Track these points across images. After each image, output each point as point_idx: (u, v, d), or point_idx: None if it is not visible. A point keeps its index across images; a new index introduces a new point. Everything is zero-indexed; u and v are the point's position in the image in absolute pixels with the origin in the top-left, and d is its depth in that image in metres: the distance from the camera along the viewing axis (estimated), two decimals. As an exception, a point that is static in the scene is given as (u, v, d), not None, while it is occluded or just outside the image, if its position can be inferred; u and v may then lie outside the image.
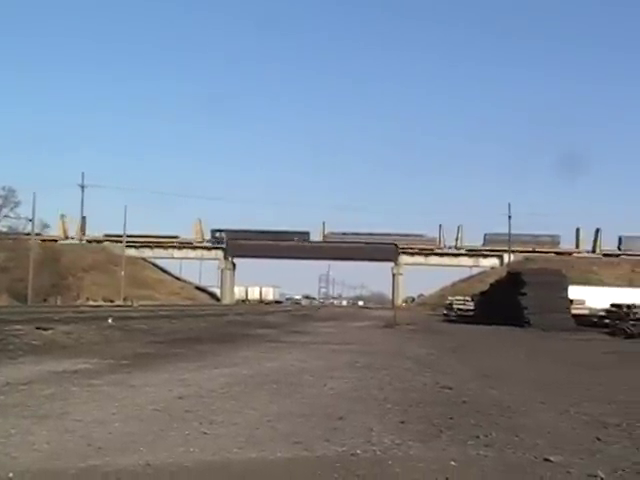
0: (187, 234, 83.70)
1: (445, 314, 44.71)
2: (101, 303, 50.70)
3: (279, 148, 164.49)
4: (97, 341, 13.70)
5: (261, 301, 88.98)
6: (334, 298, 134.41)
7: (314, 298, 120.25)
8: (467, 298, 45.45)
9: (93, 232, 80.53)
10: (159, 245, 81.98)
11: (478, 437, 5.01)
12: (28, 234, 55.07)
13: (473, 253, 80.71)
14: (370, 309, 71.99)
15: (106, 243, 77.31)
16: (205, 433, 4.99)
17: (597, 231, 79.05)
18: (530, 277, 31.36)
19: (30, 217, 54.10)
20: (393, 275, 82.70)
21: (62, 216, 79.59)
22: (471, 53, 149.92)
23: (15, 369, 8.67)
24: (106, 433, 4.91)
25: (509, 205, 70.93)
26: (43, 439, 4.67)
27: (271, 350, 13.04)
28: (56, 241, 72.65)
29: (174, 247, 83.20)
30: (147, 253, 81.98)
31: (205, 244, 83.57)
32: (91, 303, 50.83)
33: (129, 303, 49.57)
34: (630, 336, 21.14)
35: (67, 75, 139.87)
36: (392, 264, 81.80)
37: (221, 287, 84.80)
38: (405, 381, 8.44)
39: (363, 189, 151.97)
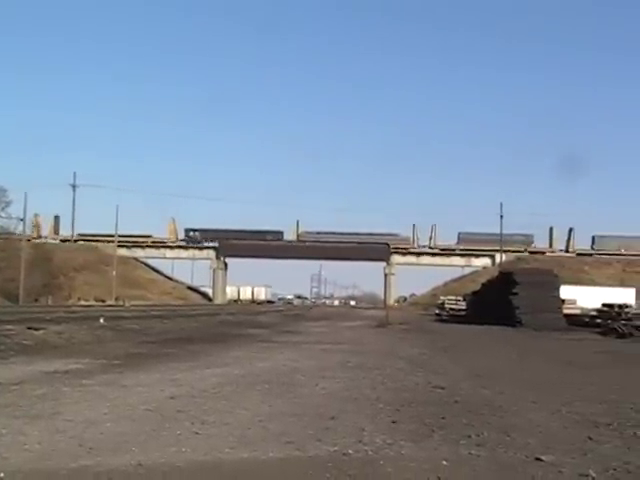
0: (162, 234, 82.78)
1: (437, 314, 44.68)
2: (93, 303, 50.59)
3: (278, 151, 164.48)
4: (89, 341, 13.67)
5: (253, 301, 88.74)
6: (326, 298, 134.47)
7: (306, 298, 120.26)
8: (459, 298, 45.43)
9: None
10: (136, 245, 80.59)
11: (470, 437, 5.02)
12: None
13: (465, 253, 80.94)
14: (362, 309, 72.03)
15: (97, 243, 76.73)
16: (197, 433, 4.98)
17: (570, 230, 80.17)
18: (522, 277, 31.42)
19: (22, 217, 53.97)
20: (385, 275, 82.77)
21: (35, 215, 78.68)
22: (470, 57, 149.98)
23: (6, 369, 8.63)
24: (98, 433, 4.90)
25: (501, 204, 71.42)
26: (34, 439, 4.65)
27: (263, 350, 13.03)
28: (29, 240, 71.74)
29: (166, 247, 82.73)
30: (139, 253, 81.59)
31: (179, 243, 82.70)
32: (83, 303, 50.70)
33: (121, 303, 49.45)
34: (622, 336, 21.22)
35: (66, 76, 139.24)
36: (384, 264, 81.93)
37: (213, 287, 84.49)
38: (397, 381, 8.44)
39: (362, 192, 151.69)
